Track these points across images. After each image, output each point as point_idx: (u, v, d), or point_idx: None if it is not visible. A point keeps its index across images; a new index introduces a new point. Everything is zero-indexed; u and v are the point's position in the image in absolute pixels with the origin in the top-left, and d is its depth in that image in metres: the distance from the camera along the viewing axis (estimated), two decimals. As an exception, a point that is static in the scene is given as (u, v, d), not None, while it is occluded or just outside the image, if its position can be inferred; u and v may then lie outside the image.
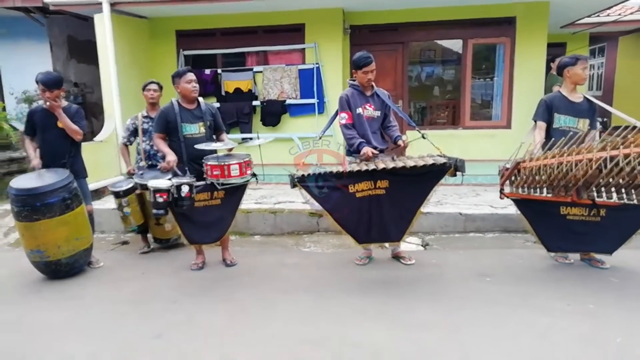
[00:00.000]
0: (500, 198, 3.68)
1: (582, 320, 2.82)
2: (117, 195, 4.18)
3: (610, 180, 3.15)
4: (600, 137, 3.58)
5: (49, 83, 3.75)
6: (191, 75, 3.72)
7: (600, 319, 2.82)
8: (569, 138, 3.29)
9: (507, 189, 3.66)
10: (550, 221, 3.56)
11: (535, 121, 3.77)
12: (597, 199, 3.34)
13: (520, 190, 3.62)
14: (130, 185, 4.19)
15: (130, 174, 4.44)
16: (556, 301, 3.07)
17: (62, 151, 3.89)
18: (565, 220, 3.53)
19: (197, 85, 3.77)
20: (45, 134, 3.89)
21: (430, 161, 3.41)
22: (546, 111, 3.68)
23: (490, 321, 2.85)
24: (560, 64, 3.70)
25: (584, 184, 3.29)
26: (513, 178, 3.61)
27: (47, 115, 3.83)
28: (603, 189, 3.28)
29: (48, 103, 3.75)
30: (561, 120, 3.64)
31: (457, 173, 3.40)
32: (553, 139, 3.44)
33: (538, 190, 3.54)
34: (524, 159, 3.47)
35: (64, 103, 3.93)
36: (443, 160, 3.41)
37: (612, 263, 3.62)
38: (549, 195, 3.51)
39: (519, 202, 3.65)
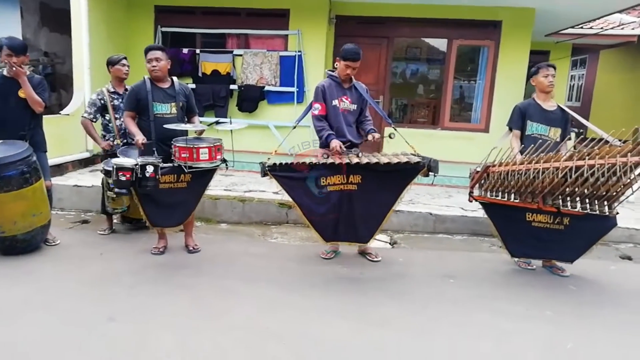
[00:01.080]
0: (469, 201, 3.71)
1: (539, 325, 2.86)
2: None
3: (576, 189, 3.19)
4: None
5: (17, 48, 3.57)
6: (153, 54, 3.52)
7: (556, 325, 2.87)
8: (539, 145, 3.32)
9: (476, 192, 3.68)
10: (516, 226, 3.59)
11: (510, 127, 3.80)
12: (562, 208, 3.39)
13: (488, 194, 3.64)
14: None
15: (105, 151, 4.20)
16: (516, 306, 3.11)
17: (21, 122, 3.69)
18: (531, 227, 3.57)
19: (158, 64, 3.52)
20: (4, 103, 3.68)
21: (404, 159, 3.39)
22: (520, 118, 3.71)
23: (451, 322, 2.86)
24: (528, 75, 3.74)
25: (550, 192, 3.32)
26: (482, 181, 3.63)
27: (7, 83, 3.64)
28: (568, 198, 3.33)
29: (14, 69, 3.55)
30: (533, 128, 3.67)
31: (430, 173, 3.39)
32: (523, 145, 3.46)
33: (506, 195, 3.57)
34: (494, 163, 3.48)
35: (27, 72, 3.73)
36: (417, 159, 3.39)
37: (572, 271, 3.68)
38: (516, 200, 3.54)
39: (487, 206, 3.68)
